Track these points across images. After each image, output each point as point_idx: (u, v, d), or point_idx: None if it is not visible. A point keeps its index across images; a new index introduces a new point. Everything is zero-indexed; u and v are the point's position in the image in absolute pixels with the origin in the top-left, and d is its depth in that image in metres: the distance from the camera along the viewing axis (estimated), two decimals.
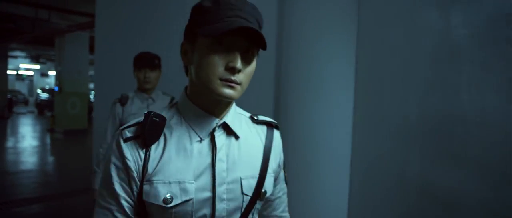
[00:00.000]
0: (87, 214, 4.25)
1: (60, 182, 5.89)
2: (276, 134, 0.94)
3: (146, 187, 0.77)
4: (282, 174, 0.96)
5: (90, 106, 13.14)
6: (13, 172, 6.25)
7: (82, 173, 6.10)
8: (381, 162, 1.82)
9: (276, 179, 0.94)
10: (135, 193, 0.79)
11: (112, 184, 0.78)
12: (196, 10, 0.84)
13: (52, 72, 24.70)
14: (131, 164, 0.77)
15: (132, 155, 0.78)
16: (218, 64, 0.78)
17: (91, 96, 16.02)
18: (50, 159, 7.91)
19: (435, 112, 1.51)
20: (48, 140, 10.46)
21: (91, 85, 15.49)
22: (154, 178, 0.77)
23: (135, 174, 0.78)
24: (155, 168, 0.78)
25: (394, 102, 1.73)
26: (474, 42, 1.35)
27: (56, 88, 11.68)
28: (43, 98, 19.64)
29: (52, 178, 6.23)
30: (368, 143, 1.90)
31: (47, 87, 22.65)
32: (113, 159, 0.79)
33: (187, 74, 0.90)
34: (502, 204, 1.23)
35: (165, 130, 0.81)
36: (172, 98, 2.40)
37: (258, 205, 0.86)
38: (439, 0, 1.48)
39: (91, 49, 11.43)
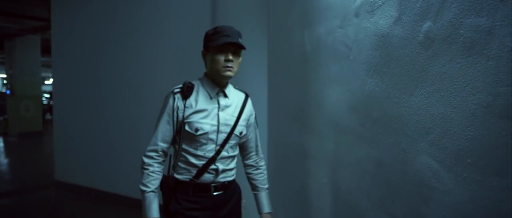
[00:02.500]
0: (45, 209, 4.67)
1: (17, 180, 6.21)
2: None
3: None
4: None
5: (43, 109, 13.15)
6: None
7: (39, 172, 6.45)
8: (281, 135, 2.57)
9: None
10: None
11: None
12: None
13: None
14: None
15: None
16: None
17: (44, 99, 15.85)
18: (5, 161, 8.06)
19: (301, 100, 2.27)
20: (1, 143, 10.50)
21: (43, 88, 15.34)
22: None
23: None
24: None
25: (288, 95, 2.46)
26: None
27: (8, 92, 11.68)
28: None
29: (9, 176, 6.53)
30: (276, 124, 2.66)
31: None
32: None
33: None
34: (335, 152, 2.00)
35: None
36: (247, 95, 1.87)
37: None
38: (305, 24, 2.25)
39: (43, 52, 11.52)
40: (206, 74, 1.75)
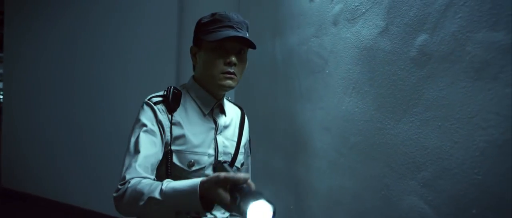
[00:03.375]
0: None
1: None
2: None
3: None
4: None
5: None
6: None
7: None
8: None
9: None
10: None
11: None
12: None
13: None
14: None
15: None
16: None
17: (0, 97, 14.98)
18: None
19: (269, 114, 2.04)
20: None
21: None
22: None
23: None
24: None
25: (254, 108, 2.22)
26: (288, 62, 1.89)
27: None
28: None
29: None
30: None
31: None
32: None
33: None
34: (305, 177, 1.77)
35: None
36: (243, 110, 1.38)
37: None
38: (273, 32, 2.02)
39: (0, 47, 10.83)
40: (195, 79, 1.20)
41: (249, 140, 1.39)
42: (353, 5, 1.32)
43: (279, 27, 2.00)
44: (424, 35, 0.97)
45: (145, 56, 3.71)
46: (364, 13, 1.25)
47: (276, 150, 1.99)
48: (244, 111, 1.37)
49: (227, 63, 1.09)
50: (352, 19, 1.32)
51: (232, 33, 1.08)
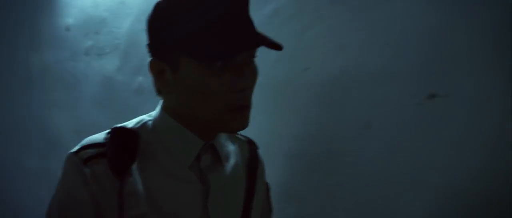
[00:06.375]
0: None
1: None
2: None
3: None
4: None
5: None
6: None
7: None
8: None
9: None
10: None
11: None
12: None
13: None
14: None
15: None
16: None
17: None
18: None
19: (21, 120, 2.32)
20: None
21: None
22: None
23: None
24: None
25: (6, 115, 2.40)
26: None
27: None
28: None
29: None
30: None
31: None
32: None
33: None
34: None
35: None
36: (252, 143, 0.87)
37: None
38: None
39: None
40: (166, 109, 0.70)
41: (268, 188, 0.88)
42: (101, 45, 1.86)
43: (35, 42, 2.28)
44: (141, 77, 1.62)
45: None
46: (108, 53, 1.81)
47: (31, 149, 2.29)
48: (256, 144, 0.86)
49: (239, 90, 0.62)
50: (100, 55, 1.86)
51: (249, 34, 0.60)
